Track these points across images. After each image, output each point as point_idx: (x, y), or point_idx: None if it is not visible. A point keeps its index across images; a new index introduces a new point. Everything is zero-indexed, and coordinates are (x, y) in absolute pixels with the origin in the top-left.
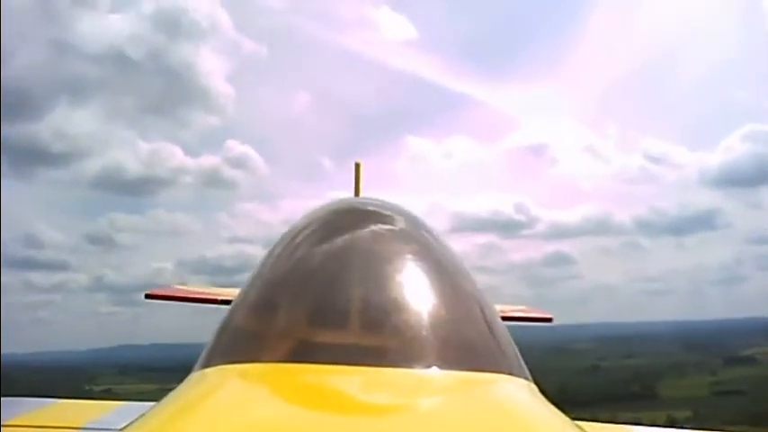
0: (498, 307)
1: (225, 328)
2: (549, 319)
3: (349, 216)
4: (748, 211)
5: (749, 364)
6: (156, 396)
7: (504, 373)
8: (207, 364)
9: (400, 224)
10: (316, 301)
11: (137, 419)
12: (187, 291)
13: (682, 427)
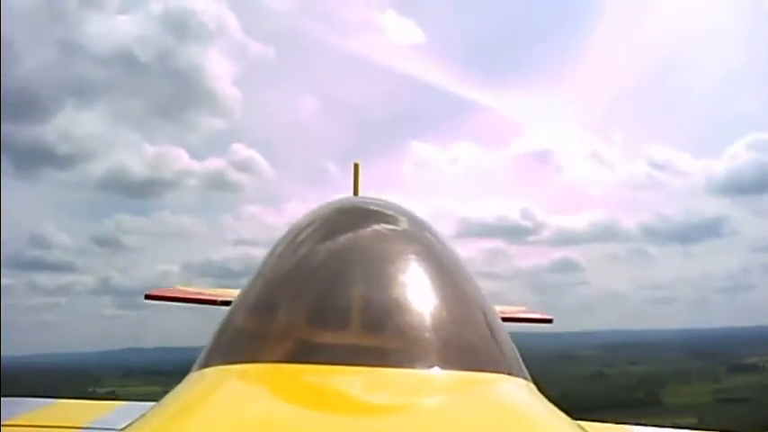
0: (498, 308)
1: (225, 328)
2: (549, 320)
3: (350, 215)
4: (754, 218)
5: (753, 372)
6: (160, 398)
7: (504, 373)
8: (207, 364)
9: (401, 224)
10: (316, 301)
11: (137, 419)
12: (187, 292)
13: (682, 428)
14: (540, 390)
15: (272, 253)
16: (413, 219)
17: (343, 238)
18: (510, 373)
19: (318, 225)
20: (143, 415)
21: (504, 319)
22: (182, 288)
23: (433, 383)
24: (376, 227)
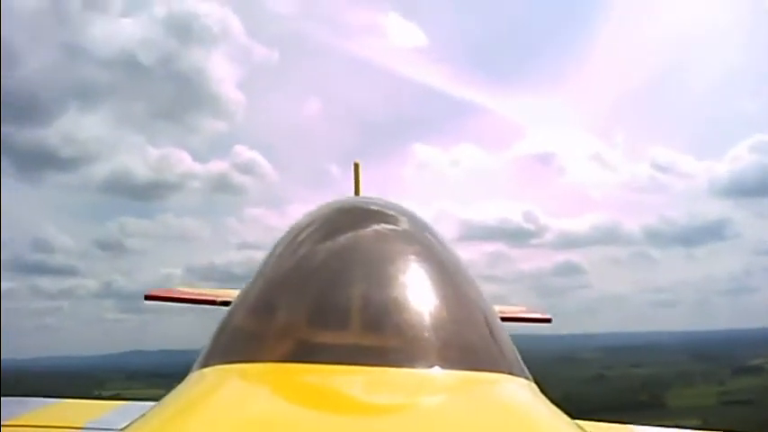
0: (498, 307)
1: (225, 328)
2: (548, 320)
3: (350, 215)
4: (757, 221)
5: (757, 374)
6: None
7: (504, 372)
8: (207, 364)
9: (402, 224)
10: (317, 301)
11: (137, 419)
12: (187, 292)
13: (682, 428)
14: (542, 390)
15: (272, 253)
16: (413, 219)
17: (343, 238)
18: (510, 373)
19: (319, 225)
20: (143, 415)
21: (504, 319)
22: (181, 288)
23: (434, 383)
24: (376, 227)
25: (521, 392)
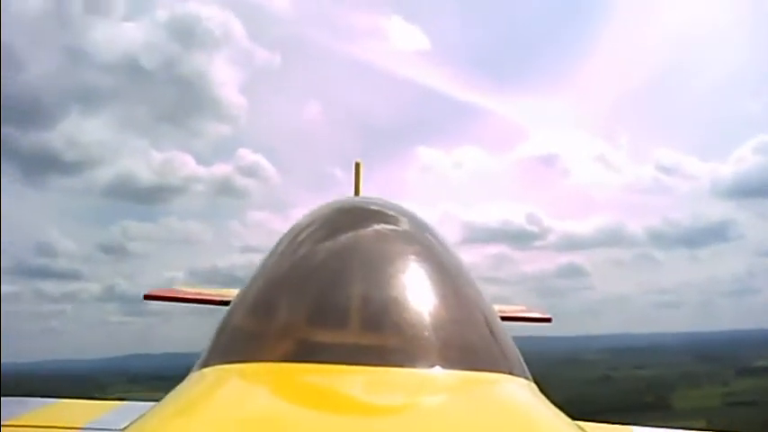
0: (497, 307)
1: (225, 328)
2: (548, 320)
3: (351, 215)
4: (760, 222)
5: (762, 375)
6: None
7: (505, 372)
8: (207, 364)
9: (402, 224)
10: (317, 301)
11: (137, 419)
12: (186, 292)
13: (685, 429)
14: (542, 390)
15: (272, 253)
16: (413, 219)
17: (343, 238)
18: (511, 373)
19: (319, 225)
20: (143, 415)
21: (504, 319)
22: (181, 288)
23: (434, 383)
24: (376, 227)
25: (521, 393)
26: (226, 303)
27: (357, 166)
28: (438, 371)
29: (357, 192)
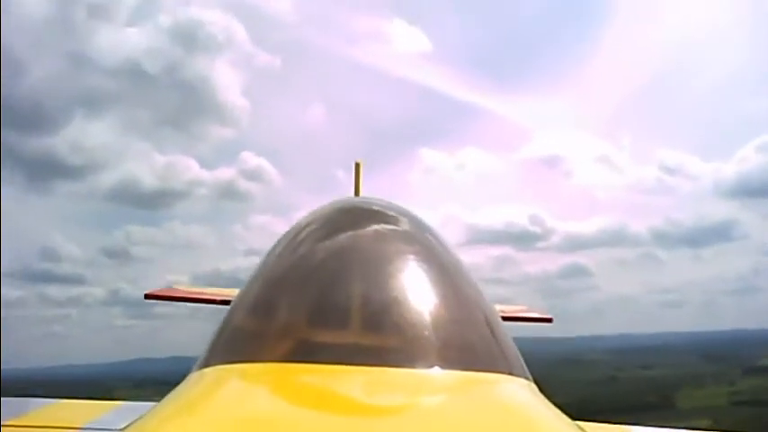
0: (498, 307)
1: (225, 328)
2: (548, 320)
3: (350, 215)
4: (764, 221)
5: (767, 374)
6: None
7: (504, 373)
8: (207, 364)
9: (402, 224)
10: (316, 301)
11: (137, 419)
12: (186, 291)
13: (687, 427)
14: (545, 391)
15: (271, 252)
16: (413, 219)
17: (343, 238)
18: (510, 373)
19: (318, 225)
20: (143, 415)
21: (505, 319)
22: (181, 288)
23: (434, 383)
24: (376, 227)
25: (520, 393)
26: (226, 303)
27: (357, 166)
28: (437, 371)
29: (357, 192)
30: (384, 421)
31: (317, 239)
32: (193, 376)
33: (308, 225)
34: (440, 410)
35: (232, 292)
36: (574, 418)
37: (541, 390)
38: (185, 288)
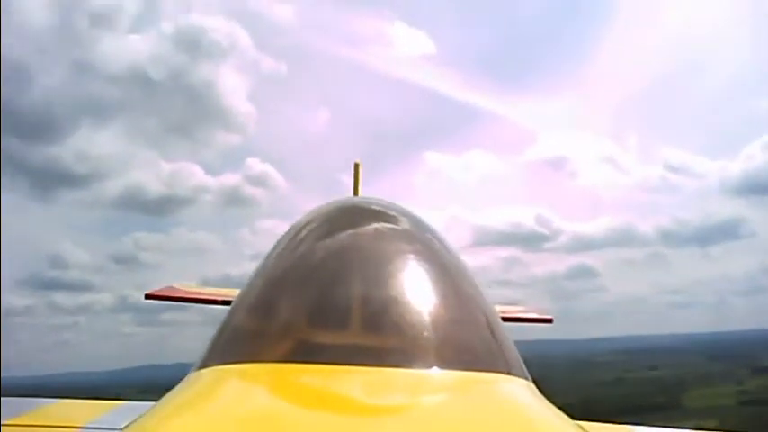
0: (498, 307)
1: (225, 328)
2: (549, 320)
3: (350, 215)
4: None
5: None
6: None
7: (504, 372)
8: (206, 364)
9: (402, 223)
10: (316, 301)
11: (136, 419)
12: (187, 291)
13: (694, 428)
14: (548, 391)
15: (272, 252)
16: (413, 219)
17: (342, 238)
18: (510, 373)
19: (318, 224)
20: (142, 415)
21: (504, 319)
22: (182, 288)
23: (433, 383)
24: (376, 226)
25: (519, 392)
26: (226, 303)
27: (356, 166)
28: (437, 371)
29: (356, 192)
30: (384, 421)
31: (316, 239)
32: (193, 376)
33: (307, 225)
34: (439, 410)
35: (232, 293)
36: (581, 418)
37: (541, 390)
38: (186, 288)
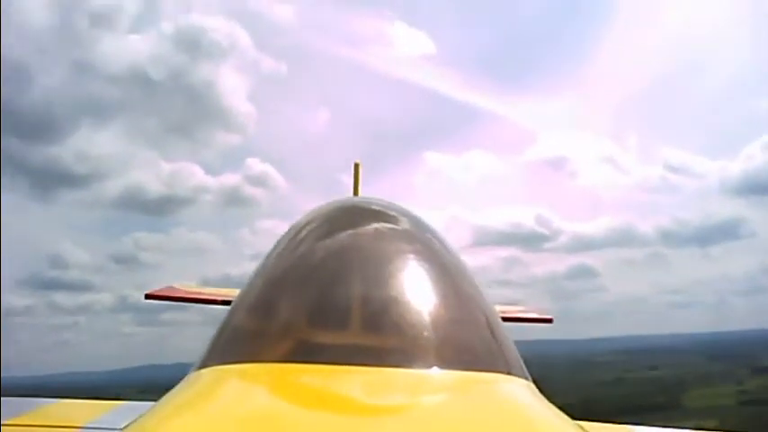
0: (498, 307)
1: (225, 328)
2: (549, 320)
3: (350, 215)
4: None
5: None
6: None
7: (504, 372)
8: (206, 364)
9: (401, 223)
10: (316, 301)
11: (136, 419)
12: (187, 291)
13: (694, 427)
14: (548, 391)
15: (272, 252)
16: (413, 218)
17: (342, 238)
18: (510, 373)
19: (317, 224)
20: (142, 415)
21: (504, 319)
22: (181, 288)
23: (433, 383)
24: (376, 226)
25: (519, 392)
26: (226, 303)
27: (356, 166)
28: (436, 371)
29: (356, 192)
30: (383, 421)
31: (316, 239)
32: (193, 376)
33: (307, 225)
34: (439, 410)
35: (232, 293)
36: (581, 418)
37: (542, 390)
38: (185, 288)
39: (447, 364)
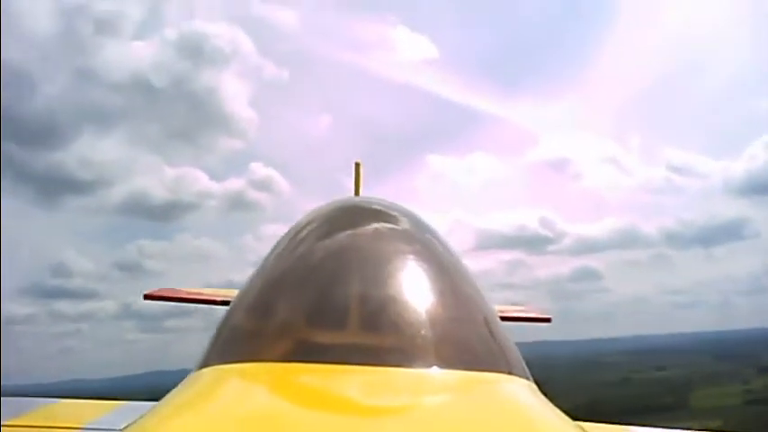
0: (498, 307)
1: (224, 328)
2: (548, 320)
3: (350, 214)
4: None
5: None
6: None
7: (504, 372)
8: (206, 364)
9: (402, 223)
10: (316, 300)
11: (137, 419)
12: (186, 291)
13: (699, 428)
14: (549, 392)
15: (272, 252)
16: (413, 219)
17: (342, 237)
18: (510, 373)
19: (318, 224)
20: (143, 415)
21: (504, 319)
22: (181, 288)
23: (433, 383)
24: (376, 226)
25: (520, 392)
26: (226, 303)
27: (357, 166)
28: (436, 371)
29: (357, 192)
30: (383, 421)
31: (316, 239)
32: (193, 376)
33: (307, 225)
34: (439, 410)
35: (232, 293)
36: (587, 419)
37: (545, 391)
38: (185, 288)
39: (447, 363)
